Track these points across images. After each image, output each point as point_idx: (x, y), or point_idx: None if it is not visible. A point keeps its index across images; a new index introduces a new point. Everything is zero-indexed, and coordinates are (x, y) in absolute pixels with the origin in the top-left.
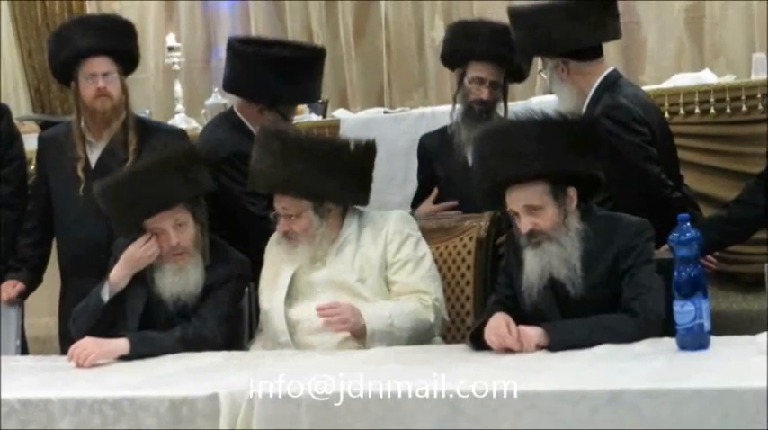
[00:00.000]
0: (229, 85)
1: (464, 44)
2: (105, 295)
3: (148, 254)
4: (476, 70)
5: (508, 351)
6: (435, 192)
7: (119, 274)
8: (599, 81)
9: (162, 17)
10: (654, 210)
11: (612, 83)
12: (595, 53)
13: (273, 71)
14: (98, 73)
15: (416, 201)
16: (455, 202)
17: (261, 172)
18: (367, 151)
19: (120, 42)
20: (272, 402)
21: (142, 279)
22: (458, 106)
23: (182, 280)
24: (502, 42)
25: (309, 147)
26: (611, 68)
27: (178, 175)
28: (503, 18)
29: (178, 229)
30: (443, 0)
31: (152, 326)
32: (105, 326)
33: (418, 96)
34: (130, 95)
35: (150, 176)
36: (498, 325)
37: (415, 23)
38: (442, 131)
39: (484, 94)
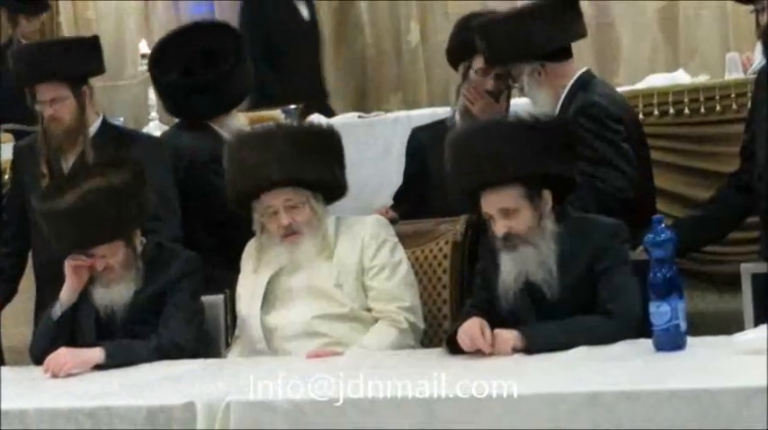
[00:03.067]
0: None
1: (471, 36)
2: (57, 313)
3: (80, 281)
4: (482, 61)
5: (481, 353)
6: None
7: (66, 292)
8: (573, 81)
9: (138, 24)
10: (618, 209)
11: (586, 82)
12: (568, 53)
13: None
14: (45, 100)
15: (400, 195)
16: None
17: (250, 170)
18: (339, 137)
19: (68, 64)
20: (248, 409)
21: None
22: (460, 100)
23: (108, 294)
24: None
25: (294, 133)
26: (585, 68)
27: (129, 204)
28: None
29: (108, 256)
30: (418, 0)
31: (108, 335)
32: (62, 342)
33: (396, 100)
34: (109, 102)
35: (100, 207)
36: (471, 326)
37: (392, 27)
38: (438, 124)
39: (489, 84)
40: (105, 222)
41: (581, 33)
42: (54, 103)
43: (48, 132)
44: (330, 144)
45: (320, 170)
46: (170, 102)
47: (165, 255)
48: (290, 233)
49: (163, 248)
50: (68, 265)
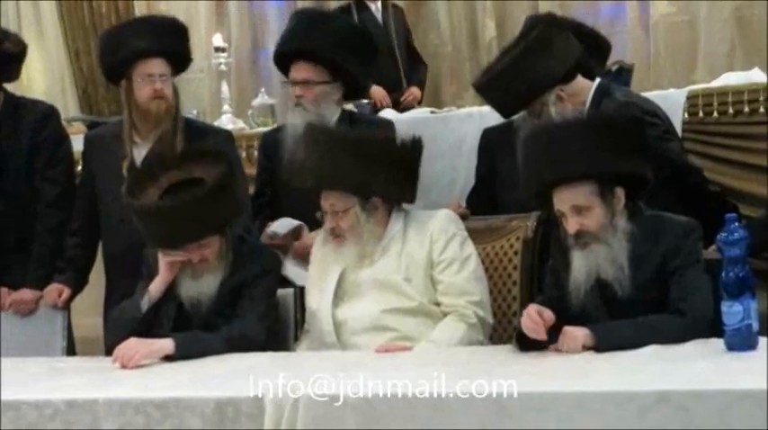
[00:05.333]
0: None
1: None
2: (145, 305)
3: (172, 275)
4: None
5: (550, 349)
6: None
7: (157, 286)
8: (592, 92)
9: (211, 17)
10: (687, 200)
11: (606, 89)
12: (575, 72)
13: None
14: (155, 74)
15: (473, 195)
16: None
17: (308, 168)
18: (414, 148)
19: (175, 44)
20: (317, 403)
21: (172, 284)
22: None
23: (197, 285)
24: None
25: (356, 141)
26: (599, 79)
27: (227, 198)
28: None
29: (202, 248)
30: (495, 0)
31: (184, 327)
32: (139, 333)
33: (469, 96)
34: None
35: (199, 205)
36: (530, 313)
37: (468, 24)
38: (508, 125)
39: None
40: (205, 220)
41: (576, 51)
42: (162, 79)
43: (147, 111)
44: (379, 151)
45: (359, 178)
46: None
47: (246, 250)
48: (336, 235)
49: (244, 242)
50: (164, 261)
